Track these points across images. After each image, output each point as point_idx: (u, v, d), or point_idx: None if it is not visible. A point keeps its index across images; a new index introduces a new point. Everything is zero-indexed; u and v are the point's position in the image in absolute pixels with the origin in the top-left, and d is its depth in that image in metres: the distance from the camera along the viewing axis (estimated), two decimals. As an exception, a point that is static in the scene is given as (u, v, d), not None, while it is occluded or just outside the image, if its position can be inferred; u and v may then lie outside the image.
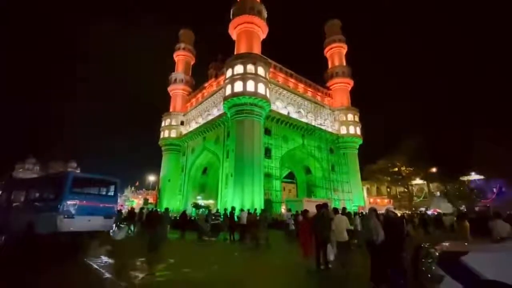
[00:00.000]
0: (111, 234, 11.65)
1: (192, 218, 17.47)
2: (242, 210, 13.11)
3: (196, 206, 22.90)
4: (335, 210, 7.41)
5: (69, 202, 8.36)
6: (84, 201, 8.80)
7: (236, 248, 11.33)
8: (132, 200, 44.76)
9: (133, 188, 64.92)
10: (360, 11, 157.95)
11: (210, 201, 36.48)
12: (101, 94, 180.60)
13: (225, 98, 28.79)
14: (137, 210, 17.65)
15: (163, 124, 44.57)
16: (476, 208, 38.34)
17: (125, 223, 14.49)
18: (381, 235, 4.87)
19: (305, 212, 8.18)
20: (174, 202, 39.94)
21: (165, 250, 9.16)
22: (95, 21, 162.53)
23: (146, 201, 39.07)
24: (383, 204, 54.69)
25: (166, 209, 11.28)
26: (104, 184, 9.85)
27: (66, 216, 8.24)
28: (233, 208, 12.49)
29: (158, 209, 19.14)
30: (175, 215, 22.59)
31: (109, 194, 9.81)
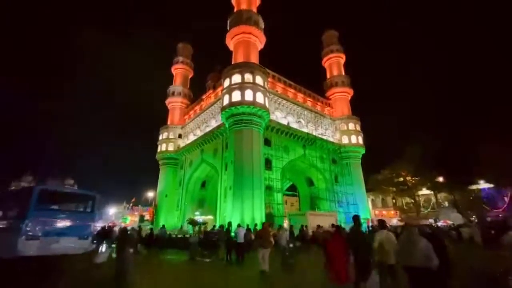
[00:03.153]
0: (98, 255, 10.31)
1: (183, 235, 16.04)
2: (239, 226, 11.70)
3: (192, 222, 21.35)
4: (381, 224, 6.06)
5: (33, 221, 7.07)
6: (54, 219, 7.52)
7: (234, 271, 9.88)
8: (125, 217, 42.95)
9: (131, 205, 62.94)
10: (358, 20, 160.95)
11: (209, 217, 34.79)
12: (99, 108, 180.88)
13: (223, 108, 27.92)
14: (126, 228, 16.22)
15: (160, 138, 43.60)
16: (488, 219, 36.58)
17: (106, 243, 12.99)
18: (436, 261, 3.59)
19: (338, 228, 6.71)
20: (171, 219, 38.24)
21: (149, 273, 7.75)
22: (94, 34, 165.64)
23: (142, 218, 37.40)
24: (390, 216, 52.80)
25: (124, 228, 9.68)
26: (79, 199, 8.59)
27: (29, 237, 6.94)
28: (229, 224, 11.10)
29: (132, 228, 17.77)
30: (170, 233, 21.13)
31: (86, 210, 8.53)
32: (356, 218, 5.73)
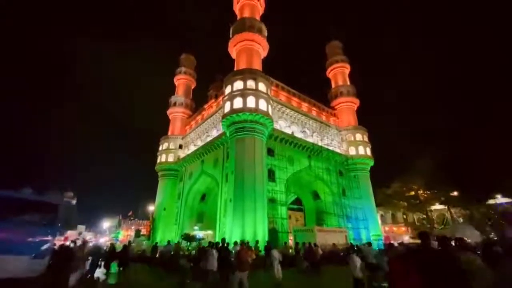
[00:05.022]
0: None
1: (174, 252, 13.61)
2: (236, 243, 9.89)
3: (187, 238, 19.35)
4: (461, 243, 3.97)
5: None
6: (-2, 233, 5.89)
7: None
8: (118, 232, 40.73)
9: (131, 218, 60.75)
10: (362, 31, 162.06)
11: (209, 232, 32.69)
12: (101, 120, 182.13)
13: (224, 116, 26.60)
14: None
15: (160, 148, 42.27)
16: (510, 236, 33.90)
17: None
18: None
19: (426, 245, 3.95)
20: (169, 233, 36.04)
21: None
22: (95, 46, 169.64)
23: (138, 232, 35.26)
24: (400, 233, 49.83)
25: (65, 245, 7.58)
26: (36, 208, 6.92)
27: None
28: (223, 240, 9.28)
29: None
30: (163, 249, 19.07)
31: (44, 222, 6.88)
32: (424, 236, 3.61)
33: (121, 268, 11.42)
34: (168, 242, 15.60)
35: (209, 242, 11.39)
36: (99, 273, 11.38)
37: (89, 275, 11.06)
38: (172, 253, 13.80)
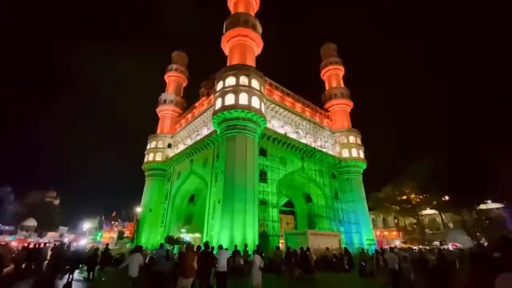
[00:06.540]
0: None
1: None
2: (221, 248, 8.76)
3: (171, 241, 17.96)
4: None
5: None
6: None
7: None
8: (96, 233, 38.59)
9: (116, 220, 58.18)
10: (358, 34, 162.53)
11: (196, 235, 31.21)
12: (88, 118, 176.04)
13: (215, 113, 25.41)
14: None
15: (148, 147, 40.61)
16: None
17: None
18: None
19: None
20: (154, 236, 34.43)
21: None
22: (83, 42, 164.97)
23: (121, 234, 33.39)
24: (392, 237, 49.45)
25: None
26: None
27: None
28: (206, 244, 8.09)
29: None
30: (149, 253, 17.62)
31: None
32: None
33: (89, 274, 10.08)
34: (161, 245, 12.80)
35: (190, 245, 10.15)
36: (65, 279, 9.98)
37: (50, 281, 9.67)
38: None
